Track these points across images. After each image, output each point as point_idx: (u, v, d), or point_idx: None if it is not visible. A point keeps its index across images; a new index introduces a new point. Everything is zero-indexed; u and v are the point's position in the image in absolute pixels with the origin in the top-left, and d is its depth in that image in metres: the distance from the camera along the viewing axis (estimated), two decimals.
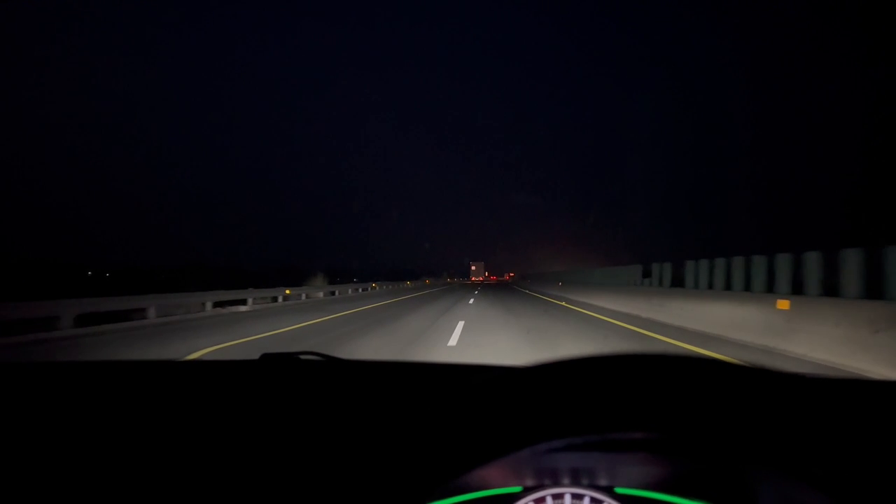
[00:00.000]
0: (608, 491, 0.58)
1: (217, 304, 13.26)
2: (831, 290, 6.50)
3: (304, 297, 17.87)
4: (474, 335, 7.00)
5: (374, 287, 30.07)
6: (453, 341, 6.35)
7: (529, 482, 0.59)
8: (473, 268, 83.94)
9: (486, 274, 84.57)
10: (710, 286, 9.72)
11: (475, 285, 45.41)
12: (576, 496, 0.59)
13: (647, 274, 13.19)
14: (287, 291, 16.88)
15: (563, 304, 14.35)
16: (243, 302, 14.45)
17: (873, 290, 5.80)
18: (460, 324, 8.62)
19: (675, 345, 6.23)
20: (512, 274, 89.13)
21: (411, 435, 0.50)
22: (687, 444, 0.47)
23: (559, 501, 0.59)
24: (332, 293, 20.36)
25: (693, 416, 0.46)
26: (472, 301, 16.17)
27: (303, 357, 1.06)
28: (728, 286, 9.06)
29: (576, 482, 0.59)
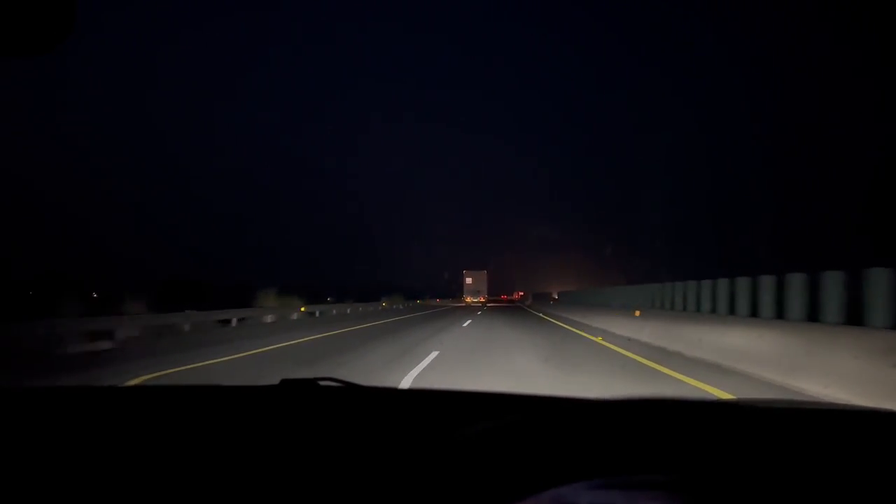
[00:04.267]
0: None
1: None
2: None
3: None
4: None
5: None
6: None
7: None
8: (469, 281, 48.36)
9: (486, 294, 49.55)
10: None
11: (470, 310, 26.92)
12: None
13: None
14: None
15: None
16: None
17: None
18: None
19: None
20: (521, 293, 63.80)
21: (437, 472, 0.54)
22: (703, 484, 0.49)
23: None
24: None
25: (708, 459, 0.53)
26: None
27: (322, 383, 1.03)
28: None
29: None
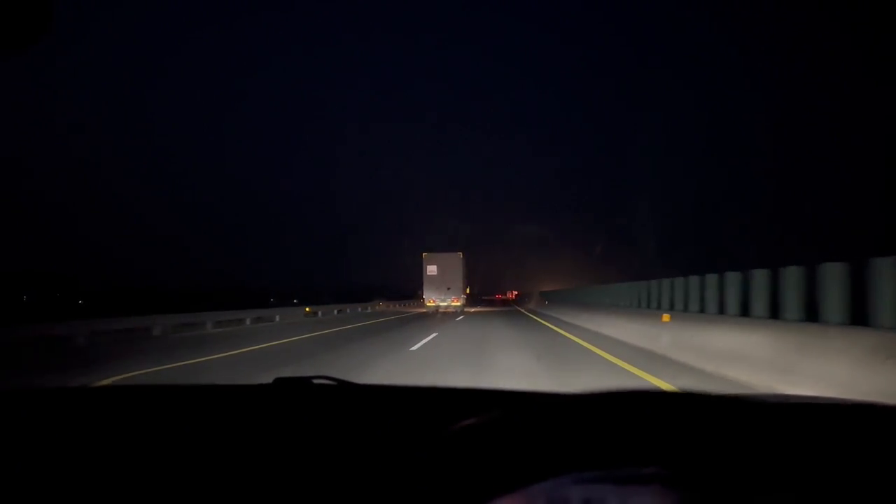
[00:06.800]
0: None
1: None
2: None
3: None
4: None
5: None
6: None
7: None
8: (432, 270, 23.60)
9: (468, 290, 27.41)
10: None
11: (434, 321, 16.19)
12: None
13: None
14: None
15: None
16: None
17: None
18: None
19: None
20: (516, 293, 55.20)
21: (429, 465, 0.55)
22: (697, 477, 0.48)
23: None
24: None
25: (702, 452, 0.52)
26: None
27: (316, 381, 1.04)
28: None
29: None
